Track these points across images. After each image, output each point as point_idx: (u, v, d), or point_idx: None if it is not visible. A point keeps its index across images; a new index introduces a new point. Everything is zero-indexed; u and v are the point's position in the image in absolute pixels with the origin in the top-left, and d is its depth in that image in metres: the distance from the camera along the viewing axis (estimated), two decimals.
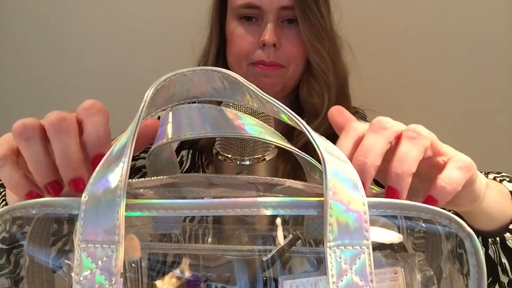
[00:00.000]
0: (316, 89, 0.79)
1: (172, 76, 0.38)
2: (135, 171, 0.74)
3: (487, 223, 0.50)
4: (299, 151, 0.40)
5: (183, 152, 0.81)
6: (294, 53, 0.77)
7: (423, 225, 0.40)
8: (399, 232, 0.40)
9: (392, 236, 0.40)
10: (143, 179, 0.42)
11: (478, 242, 0.34)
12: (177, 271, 0.43)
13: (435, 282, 0.41)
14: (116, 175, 0.32)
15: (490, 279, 0.53)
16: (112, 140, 0.38)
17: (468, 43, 1.15)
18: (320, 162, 0.34)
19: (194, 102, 0.40)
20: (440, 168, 0.38)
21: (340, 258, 0.31)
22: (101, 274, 0.30)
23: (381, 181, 0.39)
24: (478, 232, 0.50)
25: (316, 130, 0.36)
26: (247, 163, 0.49)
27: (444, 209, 0.35)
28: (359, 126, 0.40)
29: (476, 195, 0.42)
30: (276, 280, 0.41)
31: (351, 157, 0.37)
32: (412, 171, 0.36)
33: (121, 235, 0.31)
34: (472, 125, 1.18)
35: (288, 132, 0.58)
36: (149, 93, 0.36)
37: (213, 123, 0.40)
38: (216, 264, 0.45)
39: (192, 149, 0.81)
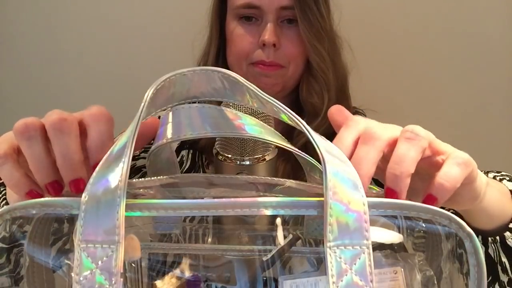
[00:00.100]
0: (316, 89, 0.79)
1: (172, 76, 0.38)
2: (135, 171, 0.74)
3: (487, 222, 0.50)
4: (299, 151, 0.40)
5: (183, 152, 0.81)
6: (294, 53, 0.77)
7: (423, 225, 0.40)
8: (399, 232, 0.40)
9: (392, 236, 0.40)
10: (143, 179, 0.42)
11: (478, 242, 0.34)
12: (177, 271, 0.43)
13: (435, 282, 0.41)
14: (116, 175, 0.32)
15: (490, 278, 0.53)
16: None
17: (468, 43, 1.15)
18: (320, 162, 0.34)
19: (194, 102, 0.40)
20: (440, 167, 0.38)
21: (340, 258, 0.31)
22: (101, 274, 0.30)
23: (381, 181, 0.39)
24: (478, 231, 0.51)
25: (316, 130, 0.36)
26: (247, 163, 0.49)
27: (444, 208, 0.35)
28: (361, 121, 0.40)
29: (477, 194, 0.42)
30: (276, 280, 0.41)
31: (350, 150, 0.37)
32: (411, 172, 0.36)
33: (121, 235, 0.31)
34: (472, 125, 1.18)
35: (288, 132, 0.58)
36: (149, 93, 0.36)
37: (213, 123, 0.40)
38: (216, 264, 0.45)
39: (192, 149, 0.81)
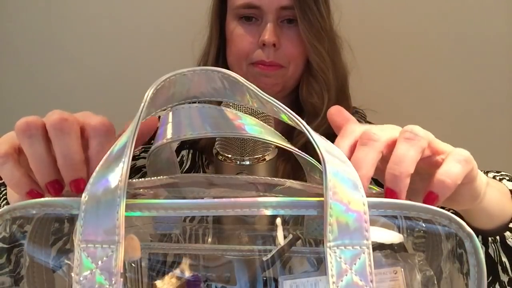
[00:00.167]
0: (316, 89, 0.79)
1: (172, 76, 0.38)
2: (135, 171, 0.74)
3: (487, 221, 0.50)
4: (299, 151, 0.40)
5: (183, 152, 0.81)
6: (294, 53, 0.77)
7: (423, 225, 0.40)
8: (399, 232, 0.40)
9: (392, 236, 0.40)
10: (143, 179, 0.42)
11: (478, 242, 0.34)
12: (177, 271, 0.43)
13: (435, 282, 0.41)
14: (116, 175, 0.32)
15: (490, 278, 0.53)
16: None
17: (468, 43, 1.15)
18: (320, 162, 0.34)
19: (194, 102, 0.40)
20: (439, 166, 0.38)
21: (340, 258, 0.31)
22: (101, 274, 0.30)
23: (381, 181, 0.39)
24: (478, 231, 0.50)
25: (316, 130, 0.36)
26: (247, 163, 0.49)
27: (444, 208, 0.35)
28: (356, 128, 0.40)
29: (477, 193, 0.42)
30: (276, 280, 0.41)
31: (348, 155, 0.37)
32: (410, 172, 0.36)
33: (121, 235, 0.31)
34: (472, 125, 1.18)
35: (288, 132, 0.58)
36: (149, 93, 0.36)
37: (213, 123, 0.40)
38: (216, 264, 0.45)
39: (193, 149, 0.81)
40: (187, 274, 0.43)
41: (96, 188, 0.32)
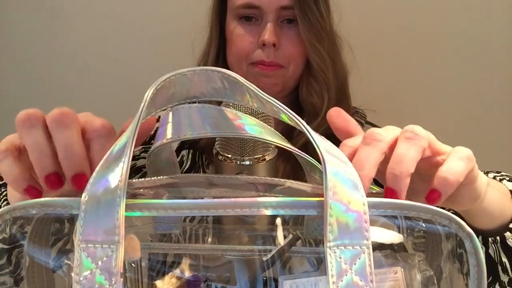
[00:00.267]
0: (316, 89, 0.79)
1: (172, 76, 0.38)
2: (135, 171, 0.74)
3: (487, 222, 0.50)
4: (299, 151, 0.40)
5: (184, 152, 0.81)
6: (294, 53, 0.77)
7: (423, 225, 0.40)
8: (399, 232, 0.40)
9: (392, 236, 0.40)
10: (143, 179, 0.42)
11: (478, 242, 0.34)
12: (177, 271, 0.43)
13: (435, 282, 0.41)
14: (116, 175, 0.32)
15: (490, 278, 0.53)
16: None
17: (468, 43, 1.15)
18: (320, 162, 0.34)
19: (194, 102, 0.40)
20: (440, 166, 0.38)
21: (340, 258, 0.31)
22: (101, 274, 0.30)
23: (381, 182, 0.39)
24: (478, 231, 0.50)
25: (315, 130, 0.36)
26: (247, 163, 0.49)
27: (444, 209, 0.35)
28: (355, 140, 0.40)
29: (477, 194, 0.42)
30: (276, 280, 0.41)
31: (350, 155, 0.37)
32: (410, 171, 0.36)
33: (121, 235, 0.31)
34: (472, 125, 1.18)
35: (288, 132, 0.58)
36: (149, 93, 0.36)
37: (213, 123, 0.40)
38: (216, 264, 0.45)
39: (193, 149, 0.81)
40: (187, 274, 0.43)
41: (96, 188, 0.32)
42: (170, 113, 0.40)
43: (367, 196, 0.33)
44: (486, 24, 1.15)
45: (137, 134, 0.34)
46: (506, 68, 1.17)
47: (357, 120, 0.80)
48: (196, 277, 0.43)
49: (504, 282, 0.53)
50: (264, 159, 0.49)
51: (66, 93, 1.20)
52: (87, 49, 1.20)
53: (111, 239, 0.31)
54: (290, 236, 0.43)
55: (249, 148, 0.49)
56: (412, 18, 1.15)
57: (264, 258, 0.42)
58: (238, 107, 0.45)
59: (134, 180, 0.41)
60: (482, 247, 0.50)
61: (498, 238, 0.51)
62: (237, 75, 0.38)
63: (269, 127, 0.42)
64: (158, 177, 0.43)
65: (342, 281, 0.31)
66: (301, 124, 0.36)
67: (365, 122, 0.84)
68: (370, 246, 0.31)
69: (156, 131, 0.42)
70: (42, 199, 0.34)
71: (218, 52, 0.83)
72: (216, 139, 0.51)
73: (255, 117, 0.44)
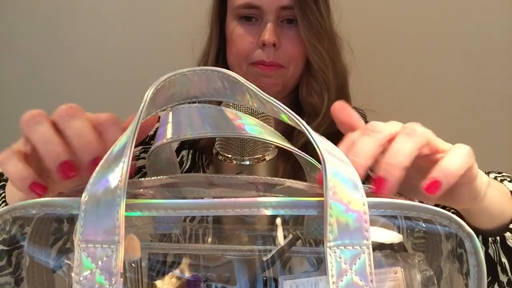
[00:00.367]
0: (316, 89, 0.79)
1: (172, 76, 0.38)
2: (135, 171, 0.74)
3: (487, 221, 0.50)
4: (299, 151, 0.40)
5: (183, 152, 0.81)
6: (294, 53, 0.77)
7: (423, 225, 0.40)
8: (399, 232, 0.40)
9: (392, 236, 0.40)
10: (143, 179, 0.42)
11: (478, 242, 0.34)
12: (177, 271, 0.43)
13: (435, 282, 0.41)
14: (116, 175, 0.32)
15: (490, 278, 0.53)
16: None
17: (468, 43, 1.15)
18: (320, 162, 0.34)
19: (194, 102, 0.40)
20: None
21: (340, 258, 0.31)
22: (101, 274, 0.30)
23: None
24: (478, 231, 0.51)
25: (315, 130, 0.36)
26: (247, 163, 0.49)
27: (444, 208, 0.35)
28: (356, 134, 0.40)
29: (477, 193, 0.42)
30: (276, 280, 0.41)
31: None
32: (404, 164, 0.36)
33: (121, 235, 0.31)
34: (473, 125, 1.18)
35: (288, 132, 0.58)
36: (149, 93, 0.36)
37: (213, 123, 0.40)
38: (216, 264, 0.45)
39: (193, 149, 0.81)
40: (187, 274, 0.43)
41: (96, 188, 0.32)
42: (170, 113, 0.40)
43: (367, 196, 0.33)
44: (486, 24, 1.15)
45: (139, 133, 0.34)
46: (506, 68, 1.17)
47: None
48: (196, 277, 0.43)
49: (503, 282, 0.53)
50: (264, 159, 0.49)
51: (66, 93, 1.20)
52: (87, 49, 1.20)
53: (111, 239, 0.31)
54: (290, 236, 0.43)
55: (249, 148, 0.49)
56: (412, 18, 1.15)
57: (264, 258, 0.42)
58: (238, 107, 0.45)
59: (134, 180, 0.41)
60: (482, 247, 0.50)
61: (498, 238, 0.51)
62: (237, 75, 0.38)
63: (269, 127, 0.42)
64: (158, 177, 0.43)
65: (342, 281, 0.31)
66: (301, 124, 0.36)
67: (365, 123, 0.84)
68: (370, 246, 0.31)
69: (156, 131, 0.42)
70: (42, 199, 0.34)
71: (218, 52, 0.83)
72: (216, 139, 0.51)
73: (255, 117, 0.44)
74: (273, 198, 0.33)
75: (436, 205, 0.36)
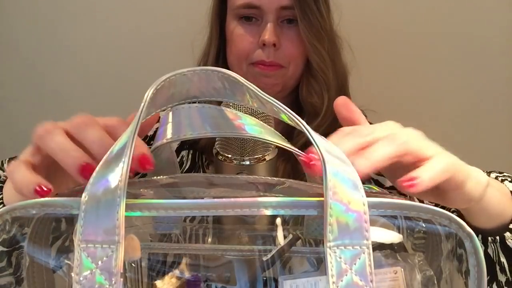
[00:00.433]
0: (316, 89, 0.79)
1: (172, 76, 0.38)
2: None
3: (485, 221, 0.50)
4: (299, 151, 0.40)
5: (183, 153, 0.81)
6: (294, 53, 0.77)
7: (423, 225, 0.40)
8: (399, 232, 0.40)
9: (392, 236, 0.40)
10: (143, 179, 0.42)
11: (478, 242, 0.34)
12: (177, 271, 0.43)
13: (435, 282, 0.41)
14: (116, 175, 0.32)
15: (488, 277, 0.53)
16: None
17: (468, 43, 1.15)
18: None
19: (194, 102, 0.40)
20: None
21: (340, 258, 0.31)
22: (101, 274, 0.30)
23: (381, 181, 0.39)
24: (477, 230, 0.51)
25: (316, 130, 0.36)
26: (247, 163, 0.49)
27: (444, 207, 0.35)
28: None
29: (470, 196, 0.42)
30: (276, 280, 0.41)
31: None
32: (376, 164, 0.37)
33: (121, 235, 0.31)
34: (473, 125, 1.18)
35: (288, 132, 0.58)
36: (149, 93, 0.36)
37: (213, 123, 0.40)
38: (216, 264, 0.45)
39: (193, 149, 0.81)
40: (187, 274, 0.43)
41: (96, 188, 0.32)
42: (170, 113, 0.40)
43: (367, 196, 0.33)
44: (486, 24, 1.15)
45: (139, 131, 0.34)
46: (506, 68, 1.17)
47: None
48: (196, 277, 0.43)
49: (502, 282, 0.53)
50: (264, 159, 0.49)
51: (66, 93, 1.20)
52: (87, 49, 1.20)
53: (111, 239, 0.31)
54: (290, 236, 0.43)
55: (249, 148, 0.49)
56: (412, 18, 1.15)
57: (264, 258, 0.42)
58: (238, 107, 0.45)
59: (134, 180, 0.41)
60: (481, 246, 0.50)
61: (497, 238, 0.51)
62: (237, 75, 0.38)
63: (269, 127, 0.42)
64: (158, 177, 0.43)
65: (342, 281, 0.31)
66: (301, 124, 0.36)
67: None
68: (370, 246, 0.31)
69: (156, 131, 0.42)
70: (42, 199, 0.34)
71: (218, 52, 0.83)
72: (216, 139, 0.51)
73: (255, 117, 0.44)
74: (273, 198, 0.33)
75: (436, 205, 0.36)
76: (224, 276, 0.44)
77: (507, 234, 0.51)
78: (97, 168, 0.33)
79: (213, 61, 0.82)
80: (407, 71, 1.17)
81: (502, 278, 0.53)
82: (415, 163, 0.39)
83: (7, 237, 0.39)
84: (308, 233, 0.45)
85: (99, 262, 0.30)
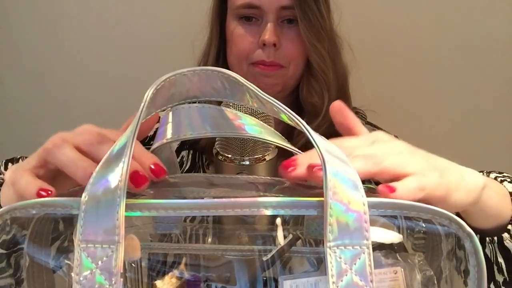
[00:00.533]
0: (316, 89, 0.79)
1: (172, 76, 0.38)
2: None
3: (482, 222, 0.50)
4: (299, 151, 0.40)
5: (184, 153, 0.81)
6: (294, 53, 0.77)
7: (423, 225, 0.40)
8: (399, 232, 0.40)
9: (392, 236, 0.40)
10: None
11: (478, 242, 0.34)
12: (177, 271, 0.43)
13: (435, 282, 0.41)
14: (116, 175, 0.32)
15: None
16: None
17: (468, 43, 1.15)
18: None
19: (194, 102, 0.40)
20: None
21: (340, 258, 0.31)
22: (101, 274, 0.30)
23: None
24: (475, 231, 0.50)
25: (316, 130, 0.36)
26: (247, 163, 0.49)
27: None
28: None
29: (456, 207, 0.40)
30: (276, 280, 0.42)
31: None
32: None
33: (121, 235, 0.31)
34: (473, 125, 1.18)
35: (288, 132, 0.58)
36: (149, 93, 0.36)
37: (213, 123, 0.40)
38: (216, 264, 0.45)
39: (193, 149, 0.81)
40: (187, 274, 0.43)
41: (96, 188, 0.32)
42: (170, 113, 0.40)
43: (367, 196, 0.33)
44: (486, 24, 1.15)
45: (139, 133, 0.34)
46: (506, 68, 1.17)
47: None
48: (196, 277, 0.43)
49: (499, 282, 0.53)
50: (264, 159, 0.49)
51: (67, 93, 1.20)
52: (87, 49, 1.20)
53: (111, 239, 0.31)
54: (290, 236, 0.43)
55: (249, 148, 0.49)
56: (412, 18, 1.15)
57: (264, 258, 0.42)
58: (238, 107, 0.45)
59: None
60: None
61: (495, 238, 0.51)
62: (237, 75, 0.38)
63: (269, 127, 0.42)
64: None
65: (342, 281, 0.31)
66: (301, 124, 0.36)
67: (365, 123, 0.84)
68: (370, 246, 0.31)
69: (156, 131, 0.42)
70: (42, 199, 0.34)
71: (218, 52, 0.83)
72: (216, 139, 0.51)
73: (255, 117, 0.44)
74: (273, 198, 0.33)
75: None
76: (224, 276, 0.44)
77: (505, 234, 0.51)
78: (97, 168, 0.33)
79: (213, 61, 0.82)
80: (407, 71, 1.17)
81: (499, 278, 0.53)
82: (393, 180, 0.38)
83: (7, 238, 0.39)
84: (308, 233, 0.45)
85: (99, 262, 0.30)
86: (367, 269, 0.31)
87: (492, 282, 0.53)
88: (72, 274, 0.31)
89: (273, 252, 0.42)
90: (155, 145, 0.41)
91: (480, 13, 1.14)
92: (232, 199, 0.33)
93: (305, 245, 0.44)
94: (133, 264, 0.43)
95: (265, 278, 0.42)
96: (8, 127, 1.17)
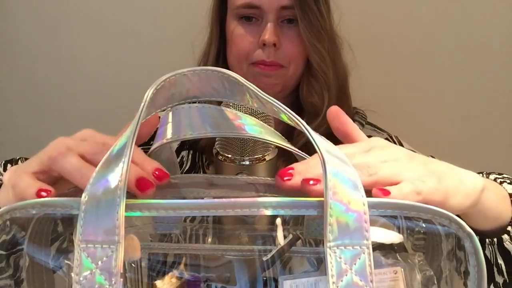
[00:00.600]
0: (316, 89, 0.79)
1: (172, 76, 0.38)
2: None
3: (482, 224, 0.50)
4: (299, 151, 0.40)
5: (184, 153, 0.81)
6: (294, 53, 0.77)
7: (423, 225, 0.40)
8: (399, 232, 0.40)
9: (392, 236, 0.40)
10: None
11: (478, 242, 0.34)
12: (177, 271, 0.43)
13: (435, 282, 0.41)
14: (116, 175, 0.32)
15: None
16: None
17: (468, 43, 1.15)
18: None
19: (194, 102, 0.40)
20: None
21: (340, 258, 0.31)
22: (101, 274, 0.30)
23: None
24: (475, 232, 0.50)
25: (316, 130, 0.36)
26: (247, 163, 0.49)
27: None
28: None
29: (454, 211, 0.40)
30: (276, 280, 0.41)
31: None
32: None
33: (121, 235, 0.31)
34: (473, 125, 1.18)
35: (288, 132, 0.58)
36: (149, 93, 0.36)
37: (213, 123, 0.40)
38: (216, 264, 0.45)
39: (193, 149, 0.81)
40: (187, 274, 0.43)
41: (96, 188, 0.32)
42: (170, 113, 0.40)
43: (367, 196, 0.33)
44: (486, 24, 1.15)
45: (139, 135, 0.34)
46: (506, 68, 1.17)
47: (357, 121, 0.79)
48: (196, 277, 0.43)
49: (499, 283, 0.53)
50: (264, 159, 0.49)
51: (66, 93, 1.20)
52: (87, 50, 1.20)
53: (111, 239, 0.31)
54: (290, 236, 0.43)
55: (249, 148, 0.49)
56: (412, 18, 1.15)
57: (264, 258, 0.42)
58: (238, 107, 0.45)
59: None
60: None
61: (495, 240, 0.51)
62: (237, 75, 0.38)
63: (269, 127, 0.42)
64: None
65: (342, 281, 0.31)
66: (301, 124, 0.36)
67: (365, 123, 0.84)
68: (370, 246, 0.31)
69: (156, 131, 0.42)
70: (42, 199, 0.34)
71: (218, 52, 0.83)
72: (216, 139, 0.51)
73: (255, 117, 0.44)
74: (273, 198, 0.33)
75: None
76: (224, 276, 0.44)
77: (505, 236, 0.51)
78: (97, 168, 0.33)
79: (213, 61, 0.82)
80: (407, 71, 1.17)
81: (499, 279, 0.53)
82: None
83: (7, 238, 0.39)
84: (308, 233, 0.45)
85: (99, 262, 0.30)
86: (367, 269, 0.31)
87: (492, 284, 0.53)
88: (72, 274, 0.31)
89: (273, 252, 0.42)
90: (155, 145, 0.41)
91: (480, 13, 1.14)
92: (232, 199, 0.33)
93: (305, 245, 0.44)
94: (133, 264, 0.43)
95: (265, 278, 0.42)
96: (8, 127, 1.17)
